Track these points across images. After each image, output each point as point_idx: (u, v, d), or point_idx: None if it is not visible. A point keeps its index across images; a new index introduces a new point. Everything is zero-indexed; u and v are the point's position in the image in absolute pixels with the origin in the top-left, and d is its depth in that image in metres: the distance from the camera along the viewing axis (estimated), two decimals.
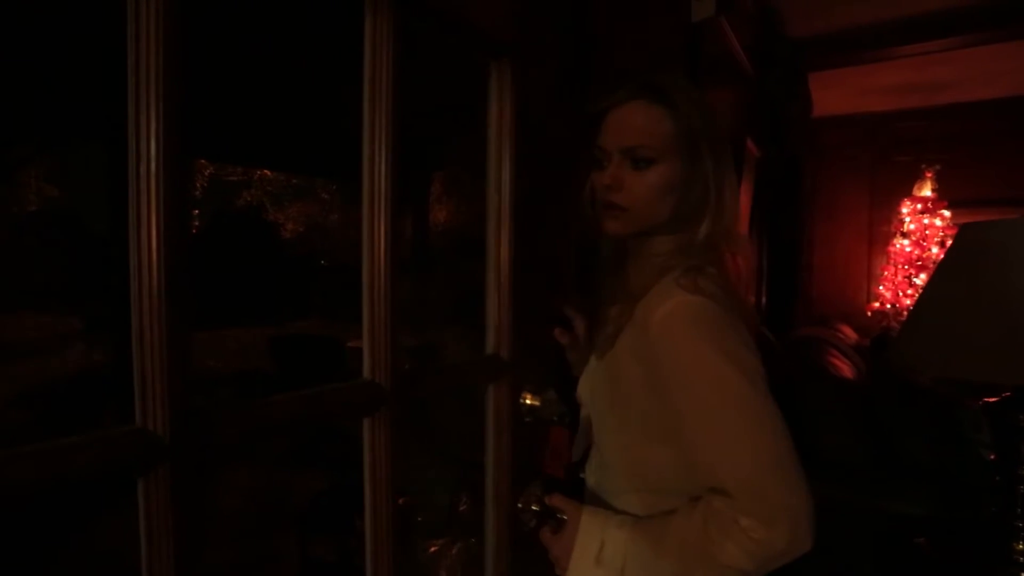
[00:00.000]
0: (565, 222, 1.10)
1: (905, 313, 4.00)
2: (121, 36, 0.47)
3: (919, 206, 4.38)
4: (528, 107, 0.93)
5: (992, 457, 1.21)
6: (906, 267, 4.40)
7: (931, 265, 4.14)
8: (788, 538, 0.64)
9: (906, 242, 4.42)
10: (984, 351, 1.08)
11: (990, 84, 4.04)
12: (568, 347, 1.04)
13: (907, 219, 4.42)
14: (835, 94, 4.29)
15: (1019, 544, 1.14)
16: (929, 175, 4.39)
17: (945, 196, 4.35)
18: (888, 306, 4.48)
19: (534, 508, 0.88)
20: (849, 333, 3.68)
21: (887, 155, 4.82)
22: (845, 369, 2.19)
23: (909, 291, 4.32)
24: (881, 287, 4.64)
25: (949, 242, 1.23)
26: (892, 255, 4.54)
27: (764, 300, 3.22)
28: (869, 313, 4.68)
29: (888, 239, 4.65)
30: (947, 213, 4.33)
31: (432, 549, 1.50)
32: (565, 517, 0.83)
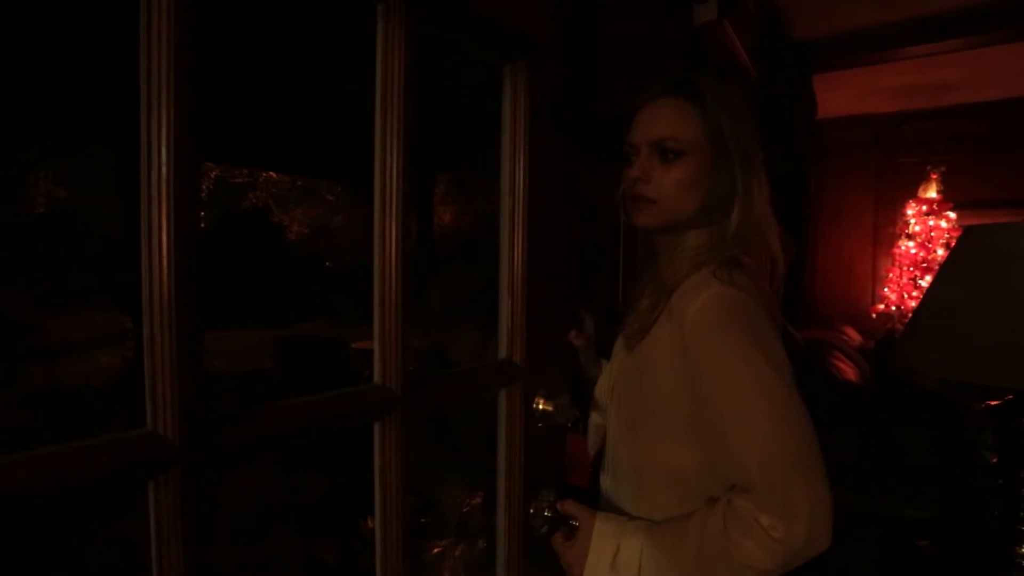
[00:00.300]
0: (574, 225, 1.10)
1: (910, 315, 3.99)
2: (131, 40, 0.48)
3: (924, 208, 4.38)
4: (541, 110, 0.93)
5: (994, 460, 1.21)
6: (911, 269, 4.40)
7: (936, 267, 4.12)
8: (807, 536, 0.64)
9: (911, 244, 4.41)
10: (986, 354, 1.08)
11: (996, 85, 4.03)
12: (581, 350, 1.05)
13: (912, 221, 4.41)
14: (840, 95, 4.28)
15: (1021, 547, 1.14)
16: (934, 176, 4.38)
17: (950, 198, 4.34)
18: (893, 308, 4.47)
19: (546, 514, 0.88)
20: (854, 335, 3.68)
21: (892, 156, 4.82)
22: (848, 371, 2.19)
23: (914, 293, 4.31)
24: (886, 289, 4.63)
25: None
26: (897, 257, 4.53)
27: None
28: (874, 315, 4.68)
29: (893, 241, 4.65)
30: (952, 215, 4.32)
31: (436, 550, 1.51)
32: (577, 523, 0.83)
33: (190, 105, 0.50)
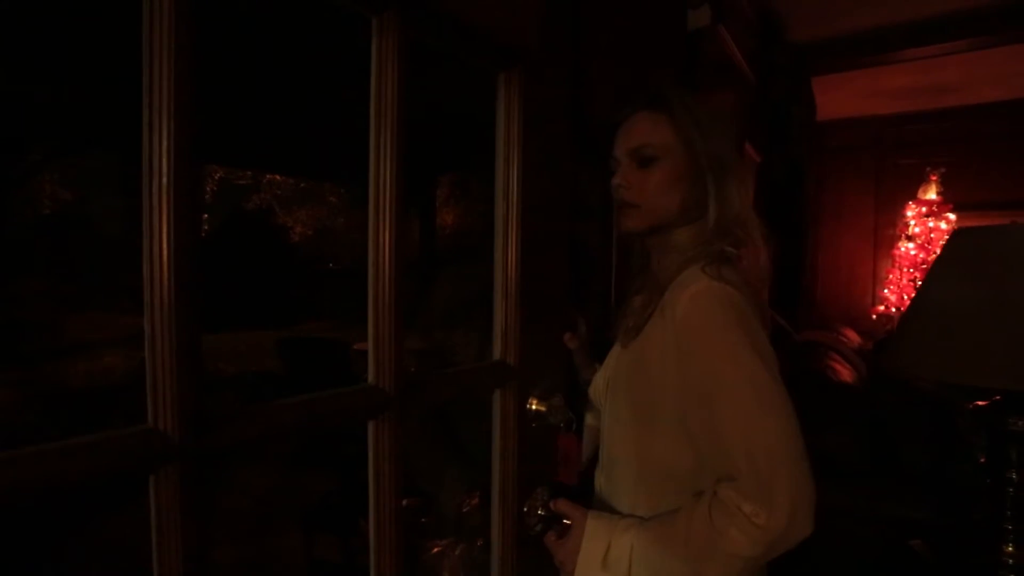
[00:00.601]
0: (569, 228, 1.12)
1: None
2: (136, 43, 0.50)
3: (924, 209, 4.38)
4: (535, 116, 0.95)
5: (983, 460, 1.23)
6: (911, 270, 4.40)
7: None
8: (788, 522, 0.67)
9: (911, 245, 4.42)
10: (974, 355, 1.09)
11: (996, 86, 4.04)
12: (576, 352, 1.07)
13: (912, 222, 4.42)
14: (840, 97, 4.29)
15: (1008, 547, 1.15)
16: (934, 178, 4.39)
17: (950, 199, 4.35)
18: (893, 309, 4.47)
19: (540, 513, 0.89)
20: (852, 337, 3.69)
21: (892, 158, 4.82)
22: (844, 373, 2.20)
23: (914, 295, 4.30)
24: (886, 290, 4.63)
25: None
26: (897, 258, 4.54)
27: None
28: (874, 316, 4.68)
29: (893, 242, 4.65)
30: (952, 216, 4.32)
31: (435, 550, 1.53)
32: (569, 522, 0.85)
33: (190, 114, 0.52)
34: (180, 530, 0.52)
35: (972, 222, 3.25)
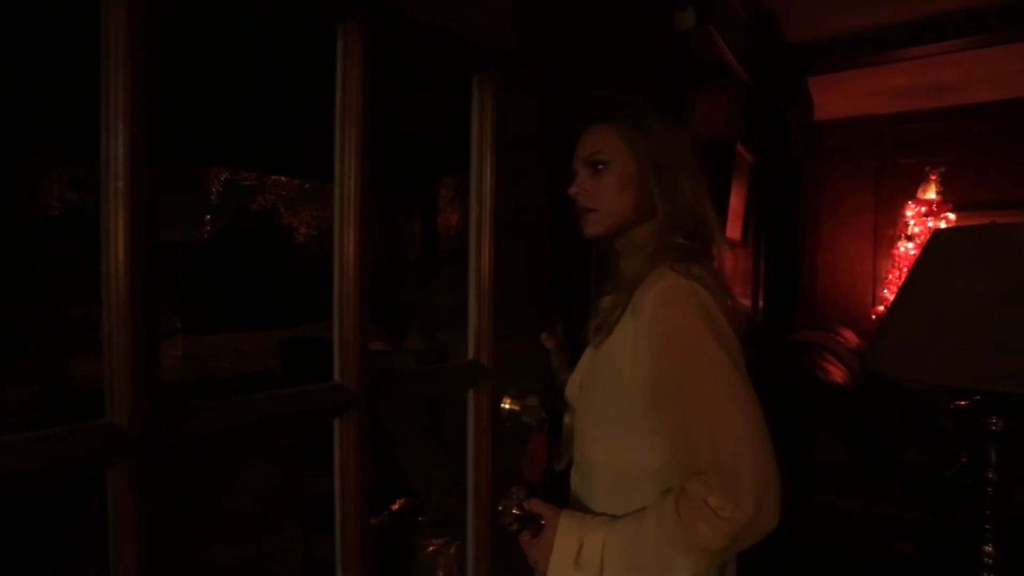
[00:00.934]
0: (547, 230, 1.13)
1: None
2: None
3: (923, 209, 4.35)
4: (510, 118, 0.97)
5: (964, 460, 1.23)
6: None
7: None
8: (754, 514, 0.68)
9: (910, 245, 4.39)
10: (953, 355, 1.09)
11: (996, 86, 4.01)
12: (553, 352, 1.09)
13: (911, 222, 4.39)
14: (839, 97, 4.28)
15: (988, 547, 1.15)
16: (933, 178, 4.36)
17: (950, 199, 4.31)
18: None
19: (515, 512, 0.90)
20: (850, 337, 3.67)
21: (892, 158, 4.80)
22: (836, 373, 2.20)
23: None
24: (886, 291, 4.61)
25: None
26: (897, 258, 4.51)
27: (761, 304, 3.22)
28: (874, 316, 4.66)
29: (893, 242, 4.63)
30: (952, 216, 4.29)
31: (431, 548, 1.54)
32: (543, 521, 0.86)
33: (148, 120, 0.53)
34: (134, 524, 0.53)
35: (972, 222, 3.24)
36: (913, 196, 4.45)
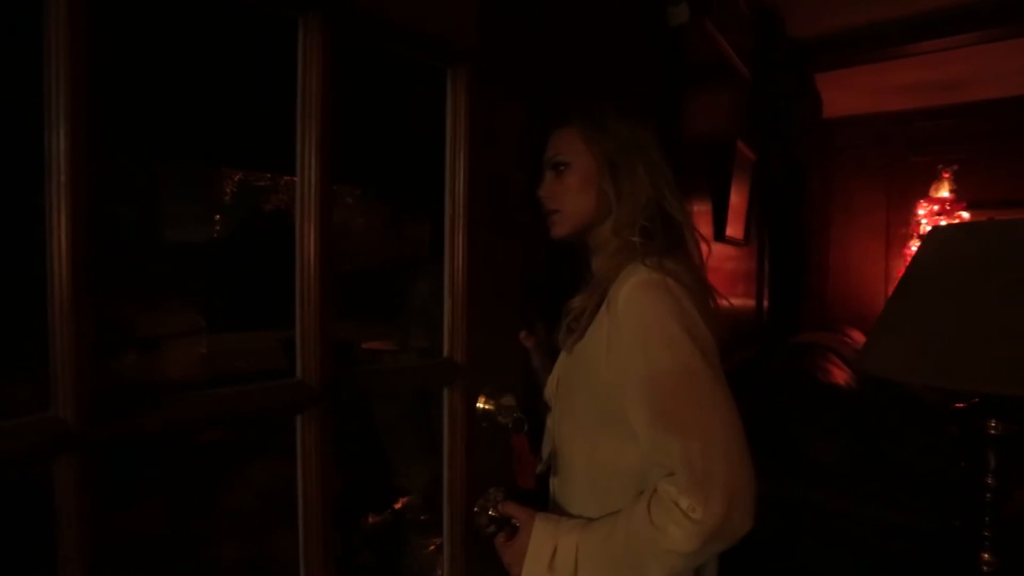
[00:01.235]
0: (527, 229, 1.12)
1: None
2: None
3: (935, 207, 4.27)
4: (486, 115, 0.96)
5: (962, 464, 1.19)
6: None
7: None
8: (725, 516, 0.66)
9: None
10: (950, 356, 1.06)
11: (1009, 81, 3.93)
12: (533, 352, 1.07)
13: (924, 221, 4.31)
14: (848, 94, 4.21)
15: (986, 554, 1.12)
16: (946, 176, 4.27)
17: (963, 197, 4.22)
18: None
19: (490, 513, 0.89)
20: (858, 337, 3.60)
21: (903, 156, 4.71)
22: (838, 374, 2.16)
23: None
24: None
25: None
26: (909, 257, 4.43)
27: (766, 303, 3.18)
28: None
29: (906, 241, 4.55)
30: (966, 215, 4.20)
31: (431, 547, 1.54)
32: (518, 524, 0.85)
33: (88, 116, 0.53)
34: (78, 518, 0.53)
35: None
36: (926, 194, 4.36)
